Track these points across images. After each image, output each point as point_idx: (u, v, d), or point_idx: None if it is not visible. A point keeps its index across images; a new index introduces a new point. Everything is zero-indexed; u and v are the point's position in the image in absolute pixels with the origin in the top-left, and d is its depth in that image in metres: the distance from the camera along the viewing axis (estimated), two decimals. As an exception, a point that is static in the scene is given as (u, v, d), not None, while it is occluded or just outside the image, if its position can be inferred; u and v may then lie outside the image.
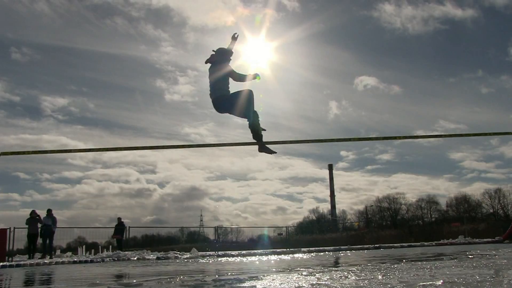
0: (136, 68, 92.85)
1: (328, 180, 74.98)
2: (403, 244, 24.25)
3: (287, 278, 4.07)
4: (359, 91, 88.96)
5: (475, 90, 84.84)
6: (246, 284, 3.57)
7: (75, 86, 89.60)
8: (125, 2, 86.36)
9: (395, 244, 24.09)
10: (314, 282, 3.49)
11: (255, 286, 3.31)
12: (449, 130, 78.92)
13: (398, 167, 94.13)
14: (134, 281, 4.24)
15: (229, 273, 5.44)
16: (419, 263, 6.37)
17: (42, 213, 17.91)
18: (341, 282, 3.56)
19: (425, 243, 24.12)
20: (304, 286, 3.22)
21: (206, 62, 6.56)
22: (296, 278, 4.03)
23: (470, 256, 7.80)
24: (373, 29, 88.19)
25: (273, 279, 3.97)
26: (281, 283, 3.54)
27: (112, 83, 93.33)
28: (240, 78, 6.29)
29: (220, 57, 6.31)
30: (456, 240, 26.23)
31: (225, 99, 6.17)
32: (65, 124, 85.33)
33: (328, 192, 74.13)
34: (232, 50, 6.62)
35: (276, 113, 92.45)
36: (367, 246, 23.91)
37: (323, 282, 3.51)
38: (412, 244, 24.16)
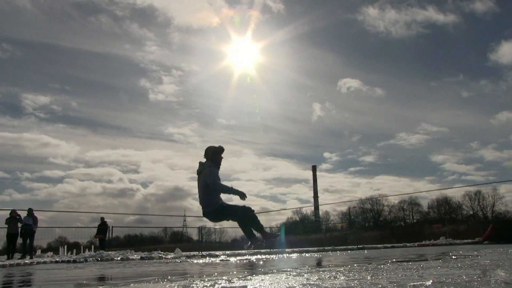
0: (120, 67, 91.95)
1: (312, 181, 75.27)
2: (386, 245, 24.47)
3: (276, 278, 4.06)
4: (343, 93, 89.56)
5: (456, 94, 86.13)
6: (236, 284, 3.55)
7: (58, 84, 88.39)
8: (109, 1, 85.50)
9: (378, 245, 24.29)
10: (305, 282, 3.49)
11: (245, 286, 3.28)
12: (431, 133, 79.98)
13: (380, 169, 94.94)
14: (122, 282, 4.18)
15: (216, 273, 5.41)
16: (405, 263, 6.41)
17: (22, 213, 17.60)
18: (331, 282, 3.56)
19: (408, 244, 24.39)
20: (295, 287, 3.21)
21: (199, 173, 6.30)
22: (285, 278, 4.03)
23: (453, 257, 7.88)
24: (357, 32, 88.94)
25: (262, 280, 3.96)
26: (271, 283, 3.52)
27: (96, 82, 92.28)
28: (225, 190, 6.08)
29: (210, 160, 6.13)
30: (438, 241, 26.56)
31: (219, 212, 6.02)
32: (47, 123, 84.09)
33: (311, 193, 74.40)
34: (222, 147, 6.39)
35: (261, 114, 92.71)
36: (351, 247, 24.06)
37: (313, 282, 3.51)
38: (395, 245, 24.40)
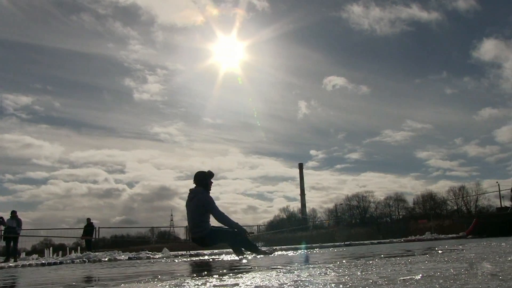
0: (104, 66, 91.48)
1: (299, 179, 75.62)
2: (373, 241, 24.72)
3: (267, 275, 4.08)
4: (328, 91, 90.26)
5: (440, 91, 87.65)
6: (228, 282, 3.56)
7: (40, 84, 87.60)
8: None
9: (365, 241, 24.54)
10: (296, 279, 3.51)
11: (237, 284, 3.30)
12: (416, 130, 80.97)
13: (366, 166, 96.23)
14: (112, 282, 4.16)
15: (206, 272, 5.41)
16: (393, 259, 6.48)
17: (5, 215, 17.38)
18: (322, 278, 3.59)
19: (394, 240, 24.66)
20: (286, 283, 3.23)
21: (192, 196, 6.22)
22: (276, 275, 4.05)
23: (440, 252, 7.99)
24: (342, 30, 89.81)
25: (253, 277, 3.98)
26: (262, 280, 3.54)
27: (79, 82, 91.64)
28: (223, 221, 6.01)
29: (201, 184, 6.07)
30: (423, 236, 26.92)
31: (211, 237, 5.99)
32: (29, 123, 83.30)
33: (298, 191, 74.86)
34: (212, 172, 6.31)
35: (248, 112, 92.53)
36: (338, 243, 24.24)
37: (304, 279, 3.53)
38: (382, 241, 24.66)
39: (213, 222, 6.49)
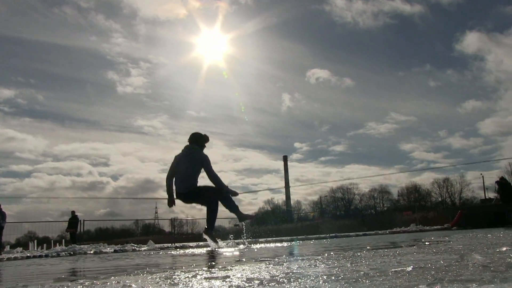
0: (86, 59, 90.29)
1: (283, 172, 75.73)
2: (358, 233, 24.91)
3: (257, 267, 4.05)
4: (312, 83, 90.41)
5: (424, 83, 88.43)
6: (218, 274, 3.52)
7: (22, 77, 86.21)
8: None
9: (351, 233, 24.72)
10: (287, 271, 3.49)
11: (228, 276, 3.25)
12: (400, 122, 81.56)
13: (350, 158, 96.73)
14: (102, 275, 4.09)
15: (195, 265, 5.37)
16: (381, 250, 6.50)
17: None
18: (312, 270, 3.57)
19: (379, 232, 24.86)
20: (278, 275, 3.20)
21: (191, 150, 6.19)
22: (265, 267, 4.02)
23: (427, 243, 8.04)
24: (325, 23, 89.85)
25: (243, 269, 3.94)
26: (253, 272, 3.51)
27: (62, 75, 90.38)
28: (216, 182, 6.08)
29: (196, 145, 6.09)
30: (409, 228, 27.21)
31: (195, 194, 6.03)
32: (12, 117, 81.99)
33: (282, 183, 75.00)
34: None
35: (231, 105, 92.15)
36: (324, 235, 24.36)
37: (295, 271, 3.51)
38: (367, 232, 24.85)
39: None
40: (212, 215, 6.17)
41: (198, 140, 6.29)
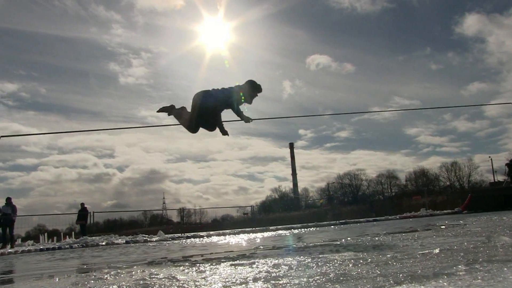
0: (88, 51, 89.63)
1: (289, 159, 75.51)
2: (368, 219, 24.80)
3: (279, 254, 4.01)
4: (312, 70, 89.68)
5: (425, 67, 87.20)
6: (243, 261, 3.48)
7: (24, 70, 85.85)
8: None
9: (361, 219, 24.61)
10: (312, 256, 3.44)
11: (254, 263, 3.21)
12: (404, 106, 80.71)
13: (356, 144, 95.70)
14: (125, 265, 4.06)
15: (213, 253, 5.35)
16: (398, 235, 6.45)
17: (0, 203, 17.26)
18: (339, 255, 3.52)
19: (389, 217, 24.75)
20: (303, 260, 3.16)
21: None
22: (288, 255, 3.98)
23: (442, 227, 7.99)
24: (323, 9, 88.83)
25: (264, 256, 3.90)
26: (272, 262, 3.46)
27: (64, 67, 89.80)
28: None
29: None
30: (419, 212, 27.04)
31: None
32: (16, 110, 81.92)
33: (288, 171, 74.76)
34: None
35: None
36: (334, 222, 24.29)
37: (322, 256, 3.46)
38: (377, 218, 24.74)
39: None
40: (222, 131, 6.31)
41: (252, 84, 6.15)
